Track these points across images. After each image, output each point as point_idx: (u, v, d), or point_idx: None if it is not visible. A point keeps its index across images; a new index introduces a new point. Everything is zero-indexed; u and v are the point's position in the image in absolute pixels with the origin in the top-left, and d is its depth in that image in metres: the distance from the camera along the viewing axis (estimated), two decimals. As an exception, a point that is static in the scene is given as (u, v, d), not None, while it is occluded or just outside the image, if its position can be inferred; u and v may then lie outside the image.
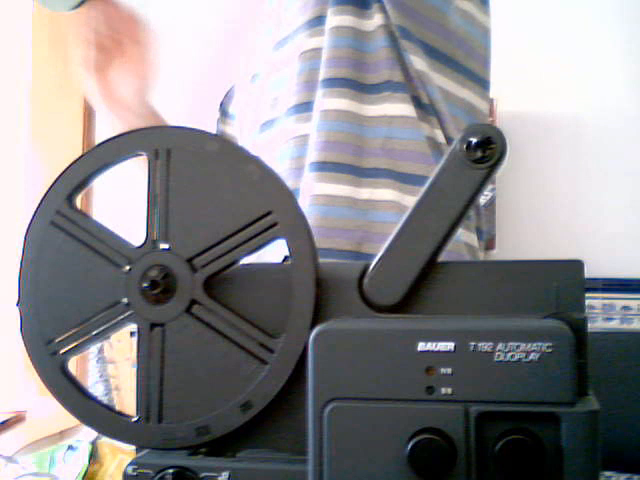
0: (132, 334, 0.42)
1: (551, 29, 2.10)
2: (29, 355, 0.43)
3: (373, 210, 0.75)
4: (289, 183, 0.77)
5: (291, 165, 0.79)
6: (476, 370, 0.34)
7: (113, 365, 1.67)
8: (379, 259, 0.41)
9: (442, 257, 0.41)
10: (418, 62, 0.78)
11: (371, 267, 0.41)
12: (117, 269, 0.42)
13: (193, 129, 0.43)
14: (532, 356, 0.33)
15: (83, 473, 1.31)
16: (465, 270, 0.41)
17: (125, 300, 0.42)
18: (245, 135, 0.93)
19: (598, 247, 2.05)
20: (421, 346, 0.34)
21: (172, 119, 0.86)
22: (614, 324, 2.09)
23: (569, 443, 0.32)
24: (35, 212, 0.43)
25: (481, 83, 0.87)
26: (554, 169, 2.20)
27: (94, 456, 1.35)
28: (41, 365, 0.42)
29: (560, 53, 2.10)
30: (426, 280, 0.41)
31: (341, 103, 0.78)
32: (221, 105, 1.03)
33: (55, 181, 0.43)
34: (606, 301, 2.11)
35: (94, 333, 0.42)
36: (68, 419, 0.45)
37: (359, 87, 0.79)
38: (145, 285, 0.41)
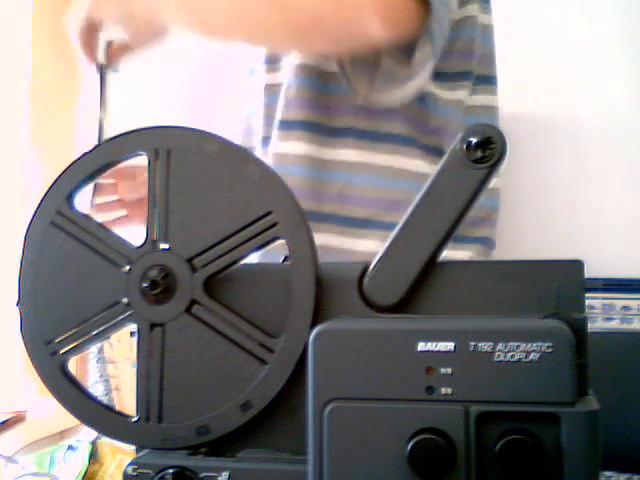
0: (132, 334, 0.42)
1: (551, 29, 2.10)
2: (29, 355, 0.43)
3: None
4: None
5: None
6: (476, 370, 0.34)
7: (113, 365, 1.67)
8: (379, 259, 0.41)
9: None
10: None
11: (371, 267, 0.41)
12: (117, 269, 0.42)
13: (193, 129, 0.43)
14: (532, 356, 0.33)
15: (83, 473, 1.31)
16: (465, 270, 0.41)
17: (125, 300, 0.42)
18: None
19: (598, 247, 2.04)
20: (421, 346, 0.34)
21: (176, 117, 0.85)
22: (614, 324, 2.09)
23: (569, 443, 0.32)
24: (35, 212, 0.43)
25: (489, 81, 0.86)
26: (554, 169, 2.20)
27: (94, 456, 1.35)
28: (41, 365, 0.42)
29: (560, 53, 2.10)
30: (426, 280, 0.41)
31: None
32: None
33: (55, 181, 0.43)
34: (606, 301, 2.10)
35: (94, 333, 0.42)
36: (68, 419, 0.45)
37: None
38: (145, 285, 0.41)
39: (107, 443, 1.36)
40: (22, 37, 1.72)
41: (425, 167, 0.79)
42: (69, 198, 0.43)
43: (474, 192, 0.39)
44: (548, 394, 0.33)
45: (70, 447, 1.36)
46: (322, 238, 0.76)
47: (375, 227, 0.78)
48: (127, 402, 1.60)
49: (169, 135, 0.43)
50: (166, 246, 0.42)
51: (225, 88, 1.05)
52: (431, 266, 0.40)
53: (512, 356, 0.33)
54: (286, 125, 0.79)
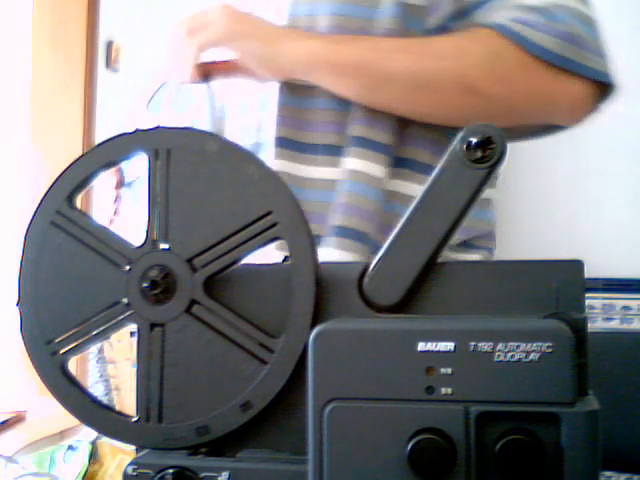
0: (132, 334, 0.42)
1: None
2: (29, 355, 0.43)
3: None
4: None
5: None
6: (476, 370, 0.34)
7: (113, 365, 1.67)
8: (379, 259, 0.41)
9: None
10: None
11: (371, 267, 0.41)
12: (117, 269, 0.42)
13: (193, 129, 0.43)
14: (532, 356, 0.33)
15: (83, 473, 1.31)
16: (465, 270, 0.41)
17: (125, 300, 0.42)
18: None
19: (598, 247, 2.05)
20: (421, 346, 0.34)
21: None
22: (614, 324, 2.09)
23: (569, 443, 0.32)
24: (35, 212, 0.43)
25: None
26: (554, 169, 2.20)
27: (94, 456, 1.36)
28: (41, 365, 0.42)
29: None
30: (426, 280, 0.41)
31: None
32: None
33: (55, 181, 0.43)
34: (606, 301, 2.11)
35: (94, 333, 0.42)
36: (68, 419, 0.45)
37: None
38: (145, 285, 0.41)
39: (107, 443, 1.36)
40: (22, 37, 1.72)
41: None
42: (69, 198, 0.43)
43: (474, 192, 0.39)
44: (548, 394, 0.33)
45: (70, 447, 1.36)
46: None
47: None
48: (127, 402, 1.60)
49: (169, 135, 0.43)
50: (166, 246, 0.42)
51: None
52: (431, 266, 0.40)
53: (512, 356, 0.33)
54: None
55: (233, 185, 0.42)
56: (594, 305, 2.10)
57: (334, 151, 0.73)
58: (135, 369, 0.41)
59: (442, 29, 0.72)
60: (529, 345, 0.33)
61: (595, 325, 2.03)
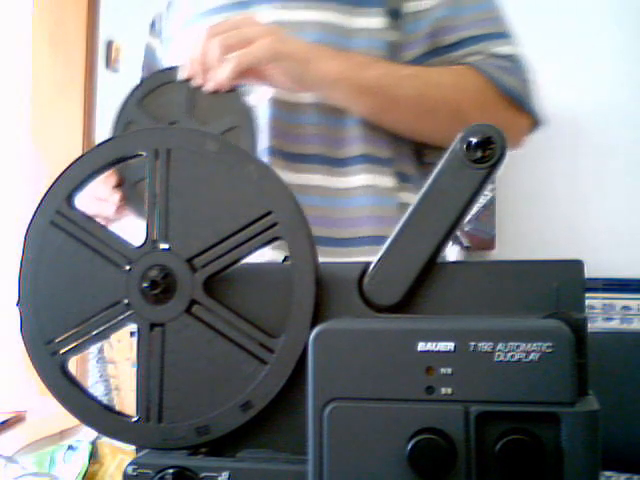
0: (132, 334, 0.42)
1: (550, 29, 2.10)
2: (29, 355, 0.43)
3: None
4: None
5: None
6: (476, 370, 0.34)
7: (113, 365, 1.67)
8: (379, 259, 0.41)
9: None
10: None
11: (371, 267, 0.41)
12: (117, 269, 0.42)
13: (193, 129, 0.43)
14: (532, 356, 0.33)
15: (83, 473, 1.31)
16: (465, 270, 0.41)
17: (125, 300, 0.42)
18: None
19: (598, 247, 2.05)
20: (421, 346, 0.34)
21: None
22: (614, 324, 2.09)
23: (569, 443, 0.32)
24: (35, 212, 0.43)
25: None
26: (554, 169, 2.20)
27: (94, 456, 1.36)
28: (41, 365, 0.42)
29: (559, 53, 2.10)
30: (426, 280, 0.41)
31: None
32: None
33: (55, 181, 0.43)
34: (606, 301, 2.11)
35: (94, 333, 0.42)
36: (68, 419, 0.45)
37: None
38: (145, 285, 0.41)
39: (107, 443, 1.36)
40: (22, 37, 1.72)
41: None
42: (69, 198, 0.43)
43: (474, 192, 0.39)
44: (548, 394, 0.33)
45: (70, 447, 1.36)
46: None
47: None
48: (127, 402, 1.60)
49: (169, 135, 0.43)
50: (166, 246, 0.42)
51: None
52: (431, 266, 0.40)
53: (512, 356, 0.33)
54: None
55: (233, 185, 0.42)
56: (594, 305, 2.10)
57: (326, 161, 0.80)
58: (135, 369, 0.41)
59: (415, 62, 0.82)
60: (529, 345, 0.33)
61: (595, 325, 2.03)
